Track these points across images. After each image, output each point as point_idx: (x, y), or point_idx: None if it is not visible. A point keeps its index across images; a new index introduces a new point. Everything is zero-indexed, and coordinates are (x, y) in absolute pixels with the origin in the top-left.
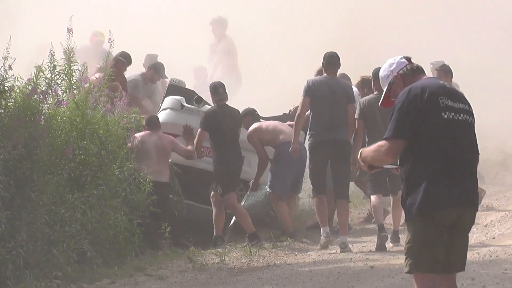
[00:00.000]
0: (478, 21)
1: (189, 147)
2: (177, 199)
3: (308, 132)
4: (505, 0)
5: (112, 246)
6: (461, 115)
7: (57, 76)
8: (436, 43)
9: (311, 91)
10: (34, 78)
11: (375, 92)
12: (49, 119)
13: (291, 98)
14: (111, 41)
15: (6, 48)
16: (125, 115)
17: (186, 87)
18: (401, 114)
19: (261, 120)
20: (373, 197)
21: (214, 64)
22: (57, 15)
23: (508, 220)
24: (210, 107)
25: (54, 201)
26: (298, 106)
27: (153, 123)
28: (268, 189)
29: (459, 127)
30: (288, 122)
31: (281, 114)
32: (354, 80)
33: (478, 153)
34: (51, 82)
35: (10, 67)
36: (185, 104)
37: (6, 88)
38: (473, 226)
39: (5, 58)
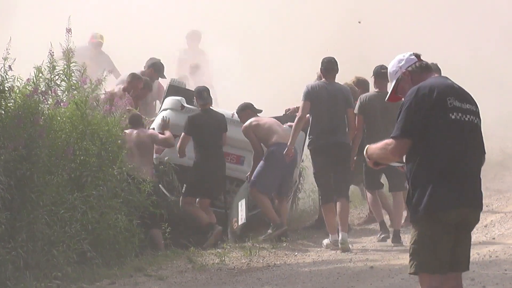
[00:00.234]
0: (478, 21)
1: (166, 133)
2: (174, 199)
3: (308, 137)
4: (504, 0)
5: (112, 246)
6: (468, 116)
7: (57, 77)
8: (436, 43)
9: (311, 96)
10: (34, 79)
11: (376, 90)
12: (49, 120)
13: (291, 98)
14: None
15: (6, 49)
16: (125, 116)
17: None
18: (409, 114)
19: (258, 115)
20: (369, 195)
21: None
22: (57, 15)
23: (508, 220)
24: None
25: (54, 202)
26: (295, 107)
27: (135, 121)
28: (248, 183)
29: (465, 128)
30: (288, 123)
31: (282, 114)
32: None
33: (485, 153)
34: (51, 83)
35: (10, 68)
36: (185, 104)
37: (6, 89)
38: None
39: (5, 59)
